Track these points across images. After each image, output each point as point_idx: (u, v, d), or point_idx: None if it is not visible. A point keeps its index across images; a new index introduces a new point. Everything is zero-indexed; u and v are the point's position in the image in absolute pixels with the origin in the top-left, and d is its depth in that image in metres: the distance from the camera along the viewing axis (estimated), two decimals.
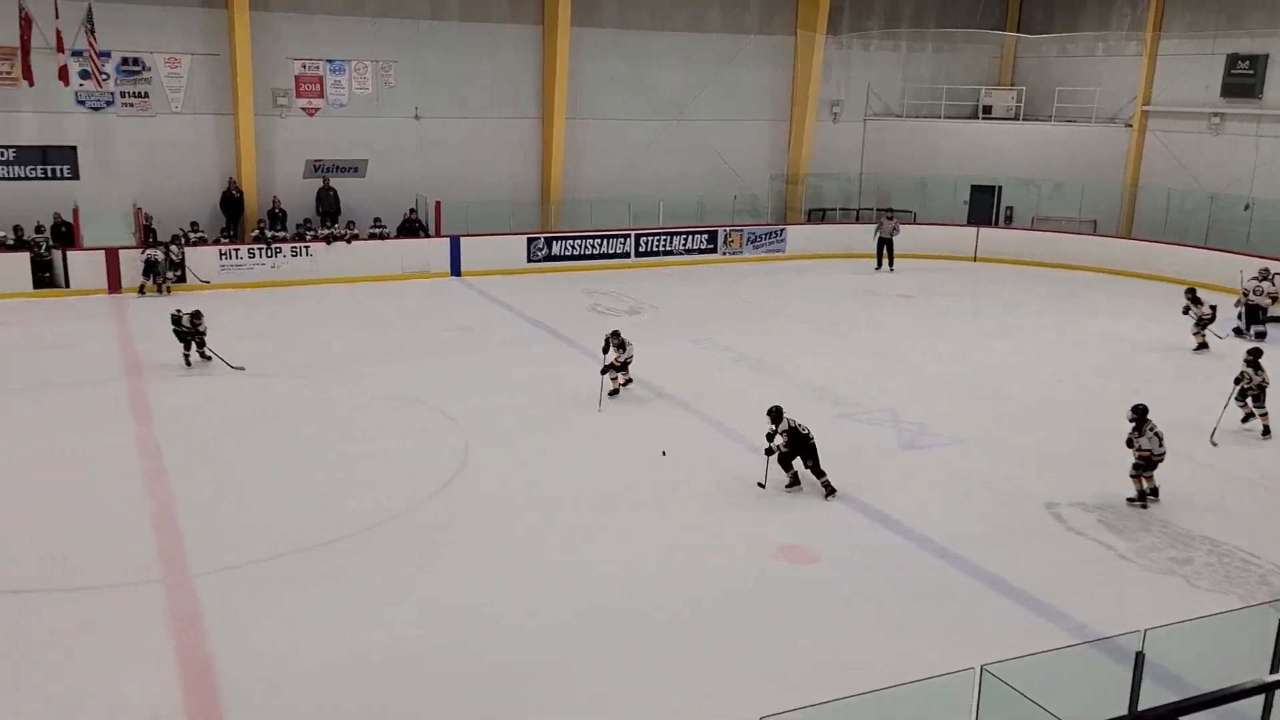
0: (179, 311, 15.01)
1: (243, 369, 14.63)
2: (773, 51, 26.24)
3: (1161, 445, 10.57)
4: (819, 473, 10.73)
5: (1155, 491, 10.75)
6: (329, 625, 8.15)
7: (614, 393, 13.81)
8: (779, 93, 26.67)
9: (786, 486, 10.84)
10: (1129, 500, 10.71)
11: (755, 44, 26.00)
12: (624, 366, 13.85)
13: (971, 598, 8.88)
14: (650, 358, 15.70)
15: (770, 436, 10.69)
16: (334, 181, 22.33)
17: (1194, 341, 17.10)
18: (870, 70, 27.50)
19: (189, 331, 14.82)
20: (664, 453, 11.72)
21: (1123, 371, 15.88)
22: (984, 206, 26.80)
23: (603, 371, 13.66)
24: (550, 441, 12.30)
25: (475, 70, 23.35)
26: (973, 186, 26.76)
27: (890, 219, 24.08)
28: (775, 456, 10.72)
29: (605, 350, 13.72)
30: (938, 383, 15.05)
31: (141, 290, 19.31)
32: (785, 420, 10.65)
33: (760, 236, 25.13)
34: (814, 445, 10.70)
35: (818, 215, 27.15)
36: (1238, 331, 17.84)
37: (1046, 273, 23.79)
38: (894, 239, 23.73)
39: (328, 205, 22.04)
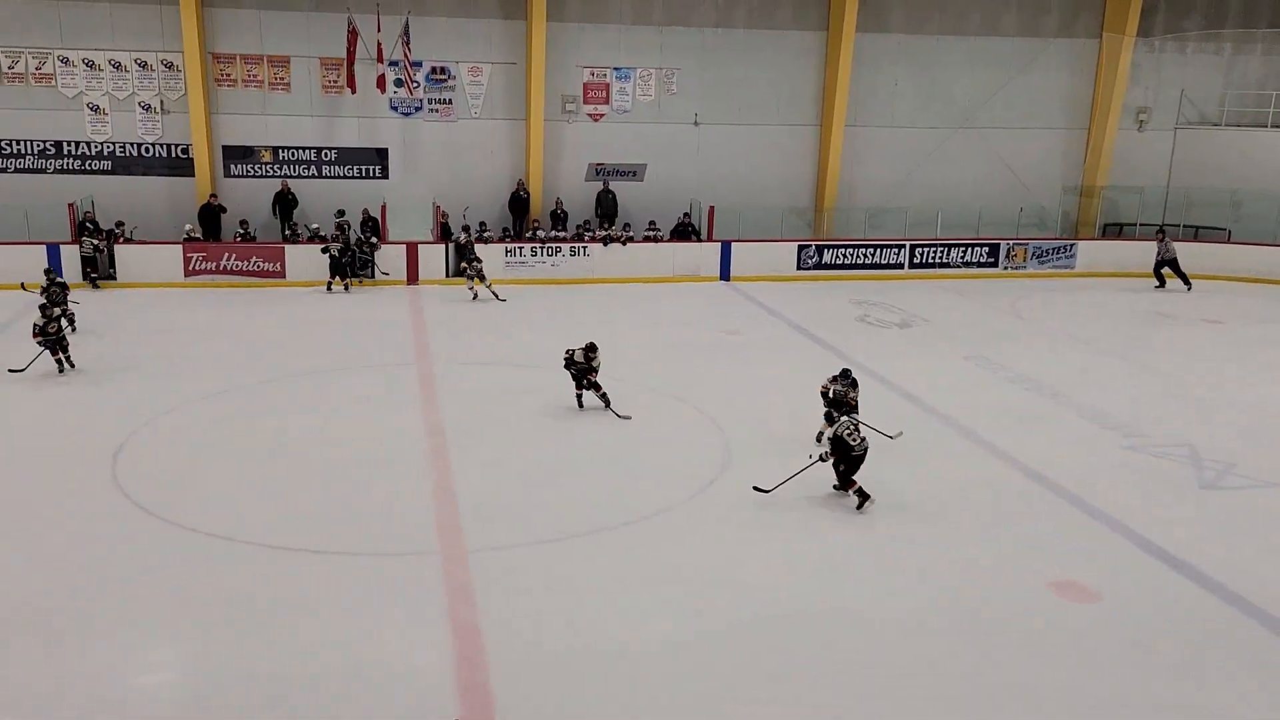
0: (571, 351, 13.09)
1: (629, 418, 13.07)
2: (1074, 55, 24.61)
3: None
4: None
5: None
6: (603, 608, 8.36)
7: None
8: (1078, 99, 24.98)
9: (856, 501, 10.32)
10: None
11: (1055, 48, 24.49)
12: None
13: (1270, 652, 7.86)
14: (918, 373, 15.13)
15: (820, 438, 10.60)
16: (613, 184, 23.14)
17: None
18: (1185, 75, 25.17)
19: (584, 369, 13.06)
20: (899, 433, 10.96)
21: None
22: None
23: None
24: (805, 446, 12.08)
25: (756, 77, 23.45)
26: None
27: (1163, 239, 22.54)
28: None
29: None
30: (1249, 419, 13.51)
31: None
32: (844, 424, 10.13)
33: (1047, 251, 23.65)
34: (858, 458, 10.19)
35: (1114, 230, 25.19)
36: None
37: None
38: (1171, 257, 22.25)
39: (606, 207, 22.87)
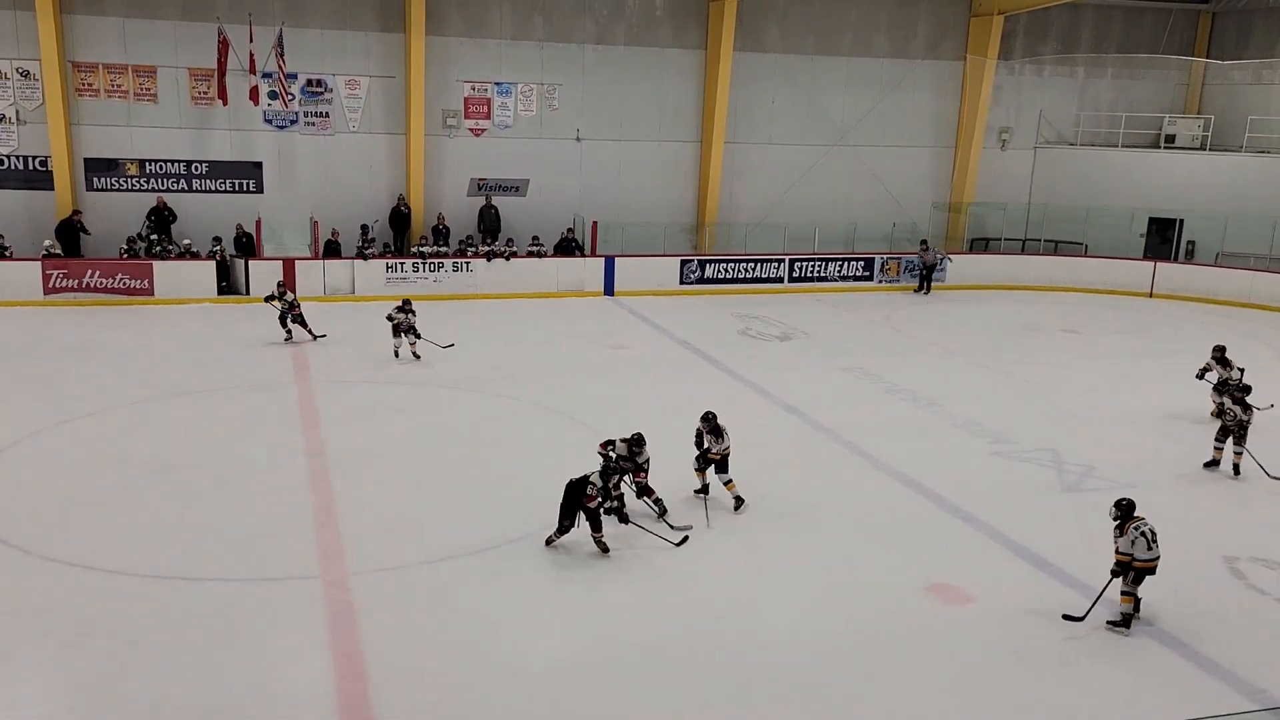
0: (609, 444, 10.68)
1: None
2: (940, 77, 25.64)
3: (1151, 549, 8.44)
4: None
5: (1138, 607, 8.56)
6: (482, 629, 8.29)
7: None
8: (945, 119, 26.02)
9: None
10: (1109, 623, 8.52)
11: (922, 69, 25.46)
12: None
13: (1138, 652, 8.31)
14: (798, 385, 15.48)
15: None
16: (496, 200, 23.03)
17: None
18: (1043, 97, 26.51)
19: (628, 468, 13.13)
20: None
21: None
22: (1163, 240, 25.39)
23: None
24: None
25: (637, 93, 23.69)
26: (1151, 219, 25.40)
27: (927, 248, 24.06)
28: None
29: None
30: (1105, 424, 14.27)
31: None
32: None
33: (919, 265, 24.51)
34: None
35: (980, 245, 26.29)
36: None
37: (1232, 312, 22.32)
38: (932, 264, 23.95)
39: (489, 223, 22.74)
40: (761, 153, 24.76)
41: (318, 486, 11.18)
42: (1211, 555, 10.05)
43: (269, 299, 17.38)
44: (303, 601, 8.62)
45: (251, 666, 7.62)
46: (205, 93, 21.14)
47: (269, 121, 21.74)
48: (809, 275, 23.87)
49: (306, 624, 8.27)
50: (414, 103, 21.93)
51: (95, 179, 21.07)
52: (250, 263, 20.59)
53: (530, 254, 22.32)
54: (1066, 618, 8.58)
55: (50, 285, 19.56)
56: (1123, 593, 8.51)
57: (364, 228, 21.49)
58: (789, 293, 23.37)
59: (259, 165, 21.91)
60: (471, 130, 22.93)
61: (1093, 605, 8.59)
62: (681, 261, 23.13)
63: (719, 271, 23.30)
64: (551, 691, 7.49)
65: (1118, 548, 8.52)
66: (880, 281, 24.26)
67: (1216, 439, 12.39)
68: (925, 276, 24.02)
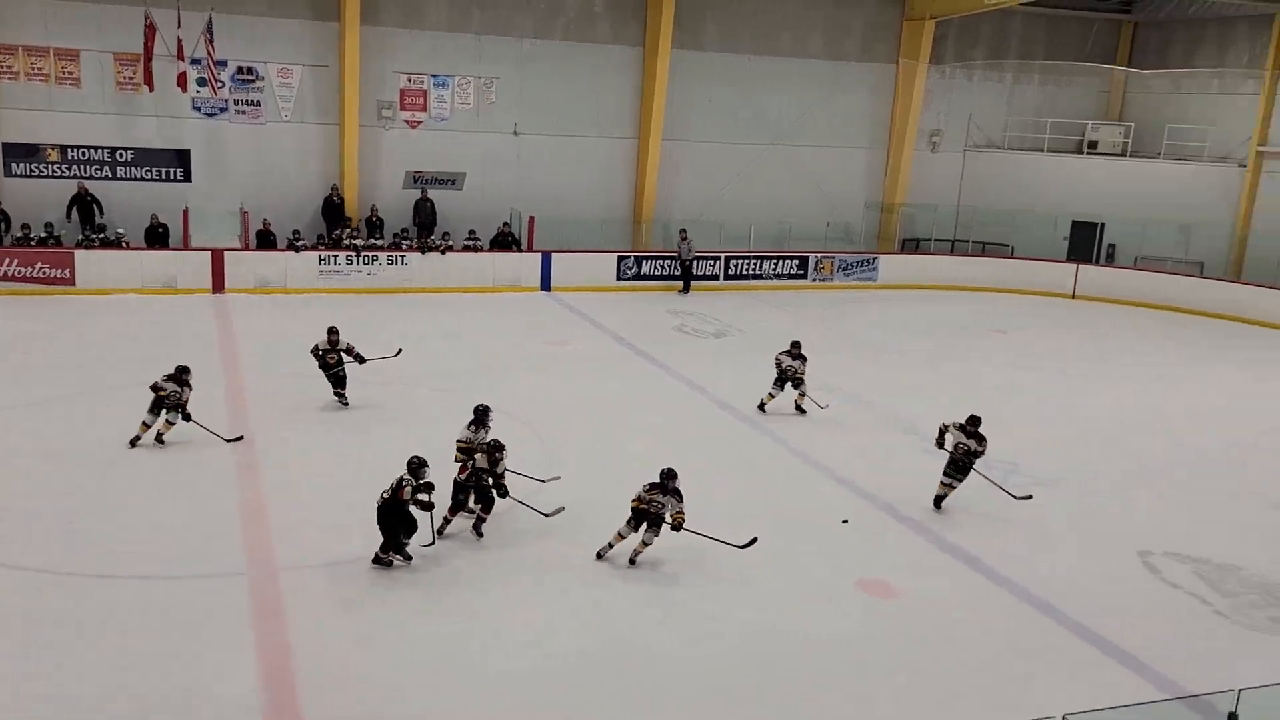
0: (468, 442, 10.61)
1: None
2: (874, 79, 26.01)
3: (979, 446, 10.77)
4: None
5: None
6: (412, 625, 8.25)
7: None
8: (878, 121, 26.41)
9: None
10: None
11: (857, 71, 25.81)
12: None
13: (1057, 644, 8.58)
14: (733, 382, 15.62)
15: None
16: (432, 193, 22.81)
17: None
18: (972, 101, 27.05)
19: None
20: (845, 520, 10.70)
21: (1225, 417, 15.28)
22: (1085, 243, 26.10)
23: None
24: (631, 457, 12.30)
25: (575, 89, 23.65)
26: (1074, 222, 26.09)
27: (685, 240, 23.04)
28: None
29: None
30: (1029, 422, 14.65)
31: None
32: None
33: (852, 264, 24.87)
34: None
35: (911, 245, 26.77)
36: None
37: (1149, 313, 23.05)
38: (691, 262, 23.04)
39: (424, 216, 22.53)
40: (699, 151, 24.89)
41: (246, 481, 11.02)
42: (1128, 550, 10.39)
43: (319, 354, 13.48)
44: (229, 598, 8.50)
45: (174, 666, 7.50)
46: (131, 78, 20.58)
47: (197, 109, 21.25)
48: (744, 273, 24.07)
49: (233, 621, 8.15)
50: (348, 93, 21.62)
51: (14, 164, 20.39)
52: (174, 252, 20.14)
53: (466, 248, 22.16)
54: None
55: None
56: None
57: (295, 233, 21.07)
58: (724, 290, 23.54)
59: (186, 153, 21.39)
60: (408, 122, 22.68)
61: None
62: (619, 257, 23.16)
63: (656, 268, 23.37)
64: (484, 688, 7.49)
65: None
66: (815, 280, 24.56)
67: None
68: (685, 274, 23.09)
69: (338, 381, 13.58)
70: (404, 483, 9.06)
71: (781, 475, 12.19)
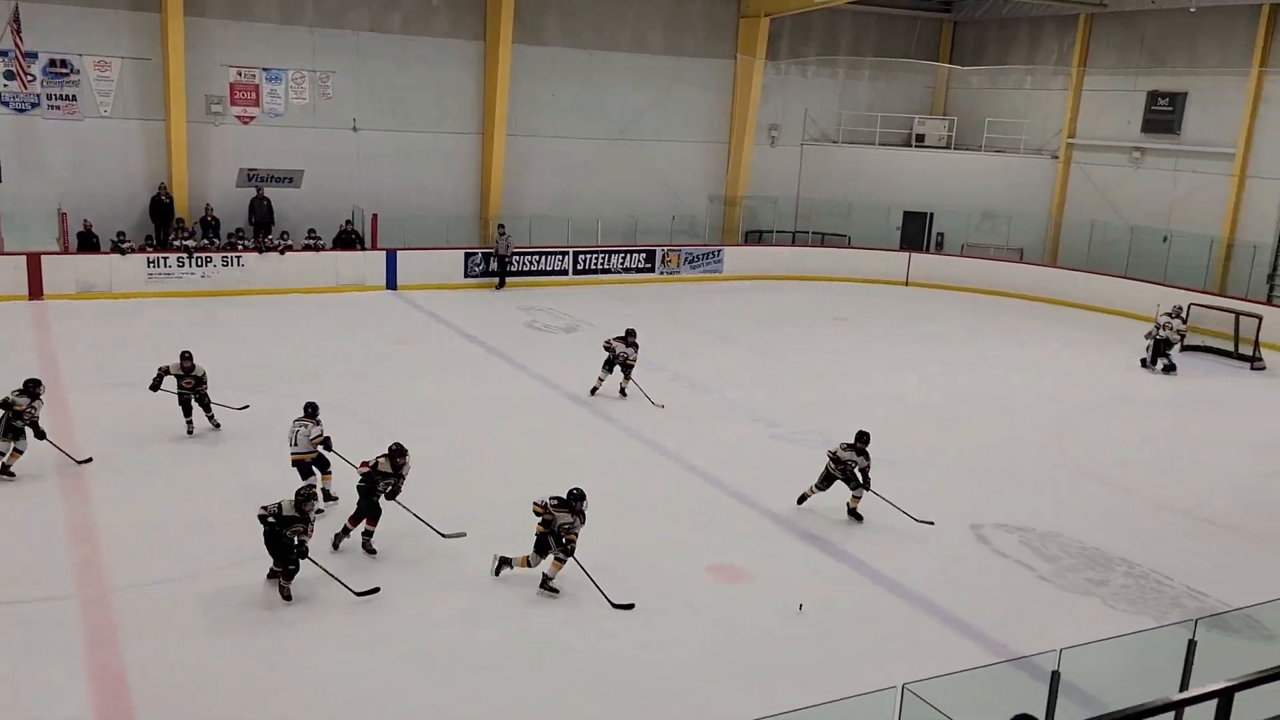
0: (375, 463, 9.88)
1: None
2: (714, 74, 26.53)
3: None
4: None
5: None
6: (249, 642, 8.00)
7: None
8: (719, 115, 26.96)
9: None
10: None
11: (696, 67, 26.27)
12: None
13: (896, 616, 9.02)
14: (584, 376, 15.72)
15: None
16: (268, 191, 21.99)
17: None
18: (808, 96, 27.94)
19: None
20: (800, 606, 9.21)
21: (1050, 395, 16.33)
22: (916, 233, 27.36)
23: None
24: (487, 462, 12.25)
25: (415, 84, 23.23)
26: (905, 212, 27.31)
27: (503, 235, 22.79)
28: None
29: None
30: (870, 405, 15.28)
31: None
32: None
33: (698, 257, 25.33)
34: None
35: (755, 237, 27.47)
36: (1144, 363, 18.43)
37: (976, 298, 24.34)
38: (509, 258, 22.77)
39: (261, 215, 21.71)
40: (544, 146, 24.85)
41: (72, 500, 10.43)
42: (961, 524, 11.00)
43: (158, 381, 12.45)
44: (58, 622, 8.05)
45: (3, 688, 7.06)
46: None
47: (6, 104, 19.86)
48: (593, 267, 24.20)
49: (62, 646, 7.73)
50: (173, 87, 20.61)
51: None
52: None
53: (307, 247, 21.48)
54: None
55: None
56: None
57: (120, 234, 19.95)
58: (574, 284, 23.61)
59: None
60: (239, 118, 21.80)
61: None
62: (466, 254, 22.91)
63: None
64: (325, 702, 7.35)
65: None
66: (662, 273, 24.90)
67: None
68: (501, 269, 22.75)
69: (189, 409, 12.46)
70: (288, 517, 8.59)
71: (635, 462, 12.34)
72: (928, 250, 26.95)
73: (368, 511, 9.60)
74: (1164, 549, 10.62)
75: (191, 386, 12.39)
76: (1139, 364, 18.37)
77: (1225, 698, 4.12)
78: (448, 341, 18.08)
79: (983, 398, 16.16)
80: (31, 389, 11.02)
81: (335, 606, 8.62)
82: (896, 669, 7.62)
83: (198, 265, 20.26)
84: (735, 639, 8.47)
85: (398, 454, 9.71)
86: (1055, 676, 5.73)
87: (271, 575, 8.80)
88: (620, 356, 14.71)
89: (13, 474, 10.82)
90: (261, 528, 8.63)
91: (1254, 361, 18.97)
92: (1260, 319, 19.17)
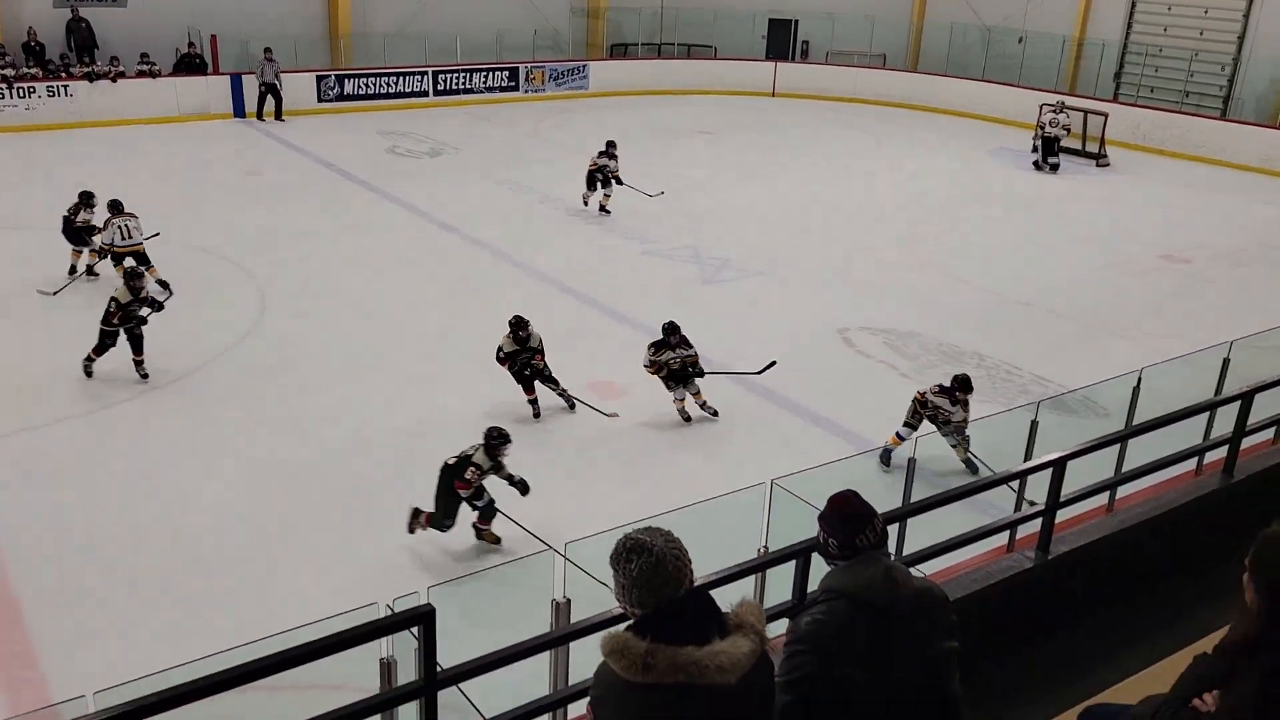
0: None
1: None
2: None
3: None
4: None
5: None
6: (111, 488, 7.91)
7: None
8: None
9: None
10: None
11: None
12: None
13: (769, 419, 9.45)
14: (453, 201, 15.40)
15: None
16: (87, 11, 20.10)
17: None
18: None
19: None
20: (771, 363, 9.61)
21: (906, 199, 16.79)
22: (781, 42, 27.06)
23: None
24: (352, 292, 12.01)
25: None
26: (770, 20, 26.90)
27: (271, 60, 20.35)
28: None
29: None
30: (738, 218, 15.47)
31: None
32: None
33: (563, 73, 24.60)
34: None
35: (620, 50, 26.73)
36: (1036, 165, 19.04)
37: (841, 106, 24.47)
38: (277, 83, 20.41)
39: (81, 38, 19.89)
40: None
41: None
42: (829, 329, 11.43)
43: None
44: None
45: None
46: None
47: None
48: (454, 88, 23.28)
49: None
50: None
51: None
52: None
53: (141, 74, 19.95)
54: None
55: None
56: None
57: None
58: (435, 106, 22.73)
59: None
60: None
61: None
62: (318, 77, 21.69)
63: (360, 87, 22.14)
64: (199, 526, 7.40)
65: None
66: (527, 91, 24.14)
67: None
68: (274, 96, 20.32)
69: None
70: None
71: (506, 284, 12.31)
72: (793, 59, 26.75)
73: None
74: (1012, 341, 11.28)
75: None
76: (1031, 166, 18.96)
77: (1059, 467, 4.52)
78: (305, 170, 17.32)
79: (846, 206, 16.50)
80: None
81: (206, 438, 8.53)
82: (765, 466, 8.03)
83: (19, 96, 18.66)
84: (608, 455, 8.75)
85: (519, 326, 9.05)
86: (911, 463, 6.15)
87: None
88: (606, 170, 14.93)
89: None
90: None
91: (1099, 159, 19.82)
92: (1106, 116, 19.90)
